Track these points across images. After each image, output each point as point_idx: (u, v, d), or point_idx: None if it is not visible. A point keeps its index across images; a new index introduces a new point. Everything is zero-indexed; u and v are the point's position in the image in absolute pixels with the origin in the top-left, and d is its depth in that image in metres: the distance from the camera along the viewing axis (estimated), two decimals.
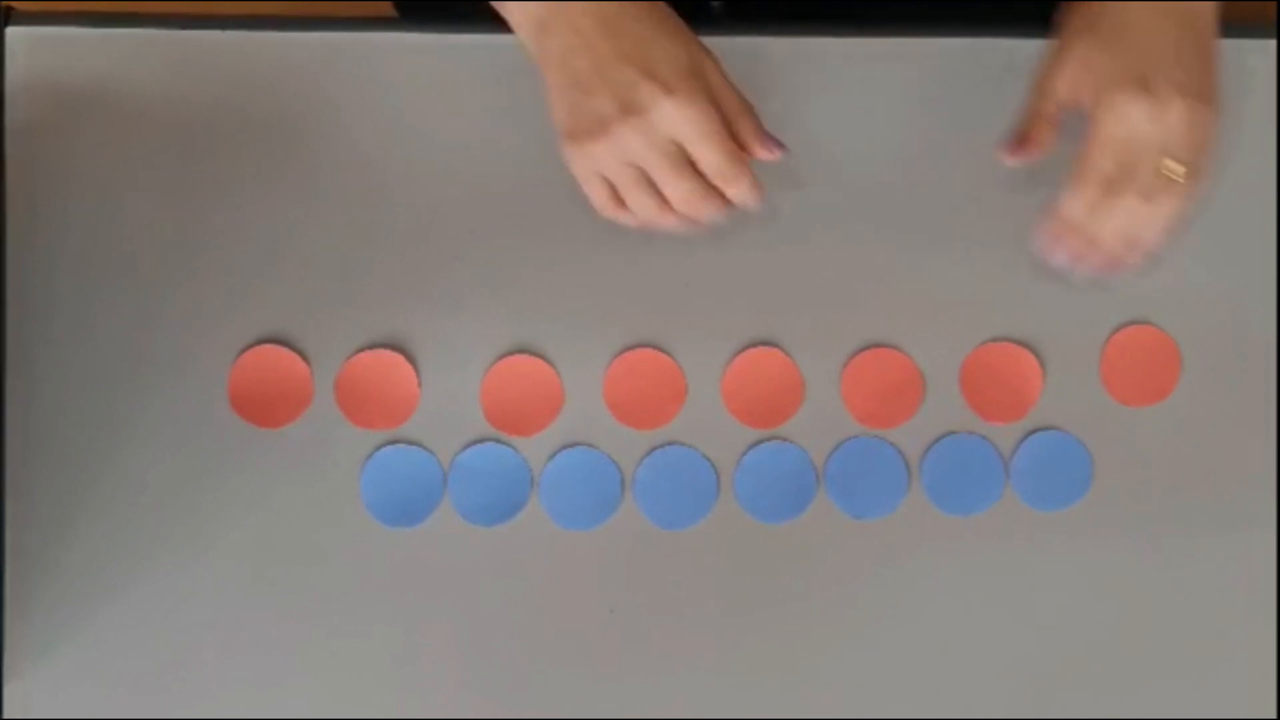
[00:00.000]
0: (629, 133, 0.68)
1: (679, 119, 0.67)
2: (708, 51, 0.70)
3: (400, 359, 0.81)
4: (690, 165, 0.69)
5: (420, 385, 0.81)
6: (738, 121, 0.70)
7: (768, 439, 0.82)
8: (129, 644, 0.80)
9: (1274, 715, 0.81)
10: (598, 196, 0.71)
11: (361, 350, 0.81)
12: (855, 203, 0.82)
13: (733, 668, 0.81)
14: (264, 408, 0.81)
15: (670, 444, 0.81)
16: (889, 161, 0.81)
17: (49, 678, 0.80)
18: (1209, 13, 0.72)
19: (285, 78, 0.81)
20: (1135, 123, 0.70)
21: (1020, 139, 0.74)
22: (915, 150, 0.82)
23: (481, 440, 0.81)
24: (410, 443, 0.81)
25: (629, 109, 0.67)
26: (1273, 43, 0.82)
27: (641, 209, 0.70)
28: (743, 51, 0.81)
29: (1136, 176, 0.71)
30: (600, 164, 0.70)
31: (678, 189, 0.69)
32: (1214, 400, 0.82)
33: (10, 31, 0.81)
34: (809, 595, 0.81)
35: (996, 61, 0.82)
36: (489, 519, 0.81)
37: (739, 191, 0.70)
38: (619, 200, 0.71)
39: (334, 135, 0.81)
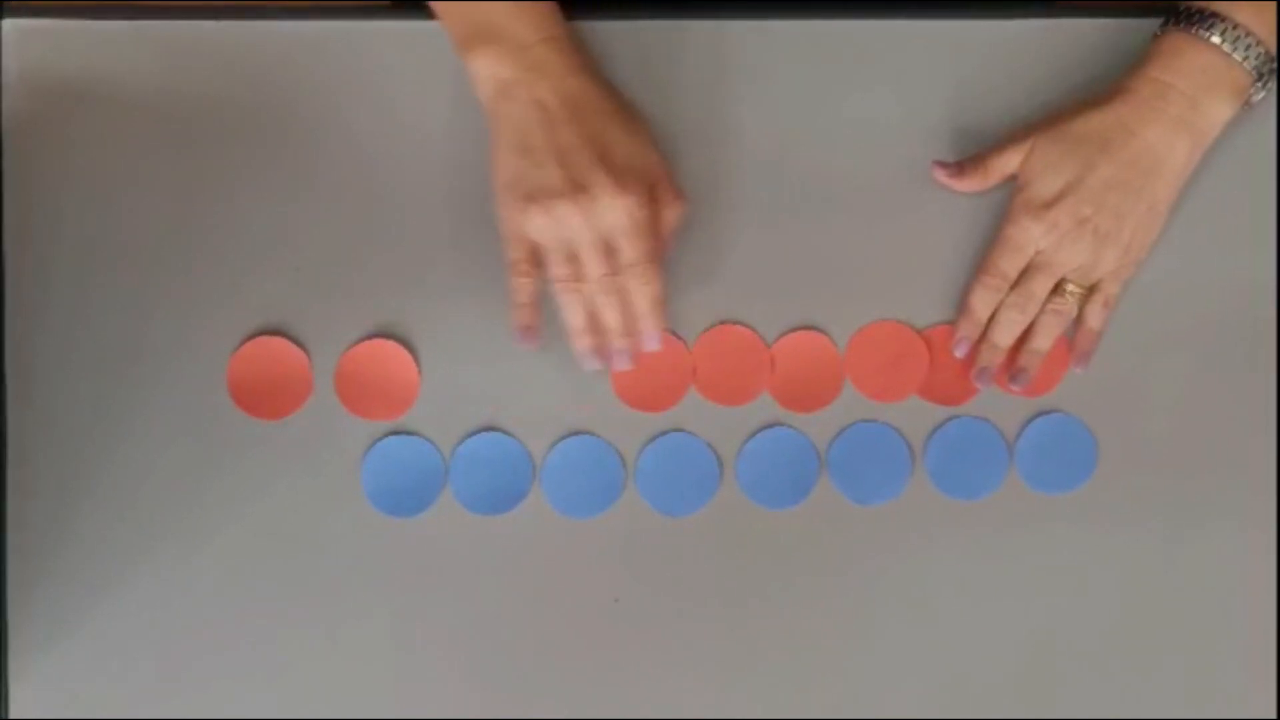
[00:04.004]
0: (573, 211, 0.73)
1: (619, 212, 0.73)
2: (656, 148, 0.77)
3: (400, 349, 0.81)
4: (612, 254, 0.75)
5: (420, 375, 0.81)
6: (663, 217, 0.76)
7: (770, 425, 0.81)
8: (132, 638, 0.80)
9: (1274, 716, 0.81)
10: (514, 254, 0.76)
11: (361, 340, 0.81)
12: (852, 183, 0.81)
13: (737, 655, 0.81)
14: (264, 399, 0.81)
15: (672, 431, 0.81)
16: (895, 142, 0.81)
17: (53, 674, 0.80)
18: (1173, 166, 0.77)
19: (280, 68, 0.81)
20: (1032, 241, 0.78)
21: (959, 168, 0.80)
22: (915, 128, 0.82)
23: (482, 429, 0.81)
24: (411, 433, 0.81)
25: (578, 189, 0.73)
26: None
27: (559, 278, 0.76)
28: (743, 36, 0.81)
29: (1031, 284, 0.78)
30: (532, 229, 0.75)
31: (596, 269, 0.75)
32: (1217, 387, 0.81)
33: (4, 24, 0.81)
34: (812, 581, 0.81)
35: (980, 42, 0.82)
36: (491, 508, 0.81)
37: (646, 289, 0.75)
38: (531, 265, 0.76)
39: (330, 125, 0.81)
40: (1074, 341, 0.81)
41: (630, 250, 0.75)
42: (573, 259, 0.75)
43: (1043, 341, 0.80)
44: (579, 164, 0.74)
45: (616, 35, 0.81)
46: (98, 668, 0.80)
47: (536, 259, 0.76)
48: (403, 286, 0.81)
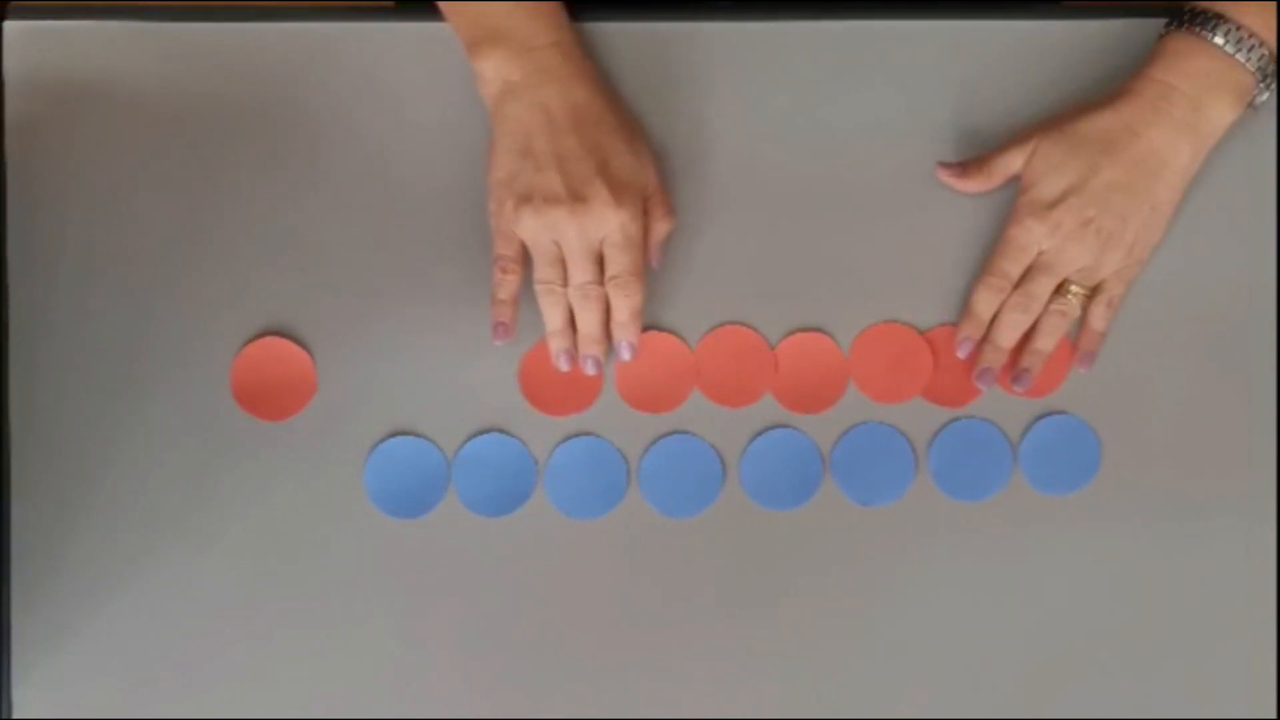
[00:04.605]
0: (567, 218, 0.75)
1: (613, 225, 0.75)
2: (655, 162, 0.78)
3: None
4: (599, 264, 0.76)
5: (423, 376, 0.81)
6: (654, 231, 0.78)
7: (773, 426, 0.81)
8: (135, 639, 0.80)
9: (1274, 716, 0.81)
10: (502, 250, 0.77)
11: (364, 342, 0.80)
12: (856, 184, 0.81)
13: (740, 656, 0.81)
14: (267, 400, 0.81)
15: (675, 432, 0.81)
16: (899, 143, 0.81)
17: (56, 675, 0.80)
18: (1176, 168, 0.77)
19: (285, 69, 0.81)
20: (1035, 241, 0.78)
21: (962, 169, 0.80)
22: (919, 128, 0.82)
23: (486, 431, 0.81)
24: (414, 434, 0.81)
25: (576, 198, 0.74)
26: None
27: (543, 280, 0.77)
28: (748, 37, 0.81)
29: (1033, 285, 0.78)
30: (523, 229, 0.76)
31: (581, 276, 0.76)
32: (1220, 387, 0.81)
33: (8, 25, 0.80)
34: (815, 582, 0.81)
35: (984, 42, 0.82)
36: (494, 510, 0.81)
37: (627, 301, 0.76)
38: (517, 263, 0.77)
39: (335, 126, 0.81)
40: (1077, 342, 0.81)
41: (617, 263, 0.76)
42: (558, 263, 0.76)
43: (1045, 342, 0.80)
44: (579, 173, 0.75)
45: (619, 36, 0.81)
46: (100, 668, 0.80)
47: (522, 257, 0.77)
48: (405, 287, 0.81)
